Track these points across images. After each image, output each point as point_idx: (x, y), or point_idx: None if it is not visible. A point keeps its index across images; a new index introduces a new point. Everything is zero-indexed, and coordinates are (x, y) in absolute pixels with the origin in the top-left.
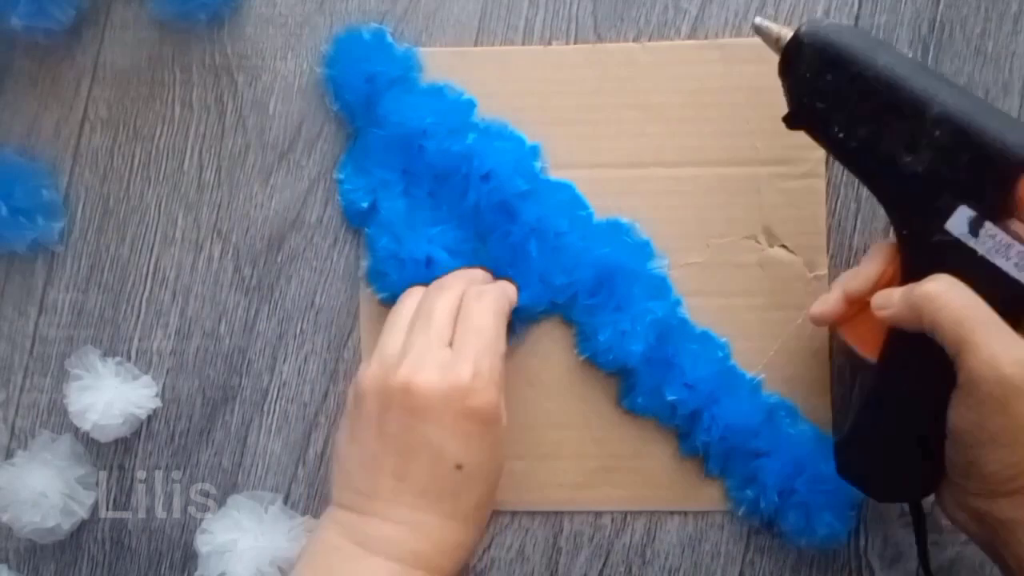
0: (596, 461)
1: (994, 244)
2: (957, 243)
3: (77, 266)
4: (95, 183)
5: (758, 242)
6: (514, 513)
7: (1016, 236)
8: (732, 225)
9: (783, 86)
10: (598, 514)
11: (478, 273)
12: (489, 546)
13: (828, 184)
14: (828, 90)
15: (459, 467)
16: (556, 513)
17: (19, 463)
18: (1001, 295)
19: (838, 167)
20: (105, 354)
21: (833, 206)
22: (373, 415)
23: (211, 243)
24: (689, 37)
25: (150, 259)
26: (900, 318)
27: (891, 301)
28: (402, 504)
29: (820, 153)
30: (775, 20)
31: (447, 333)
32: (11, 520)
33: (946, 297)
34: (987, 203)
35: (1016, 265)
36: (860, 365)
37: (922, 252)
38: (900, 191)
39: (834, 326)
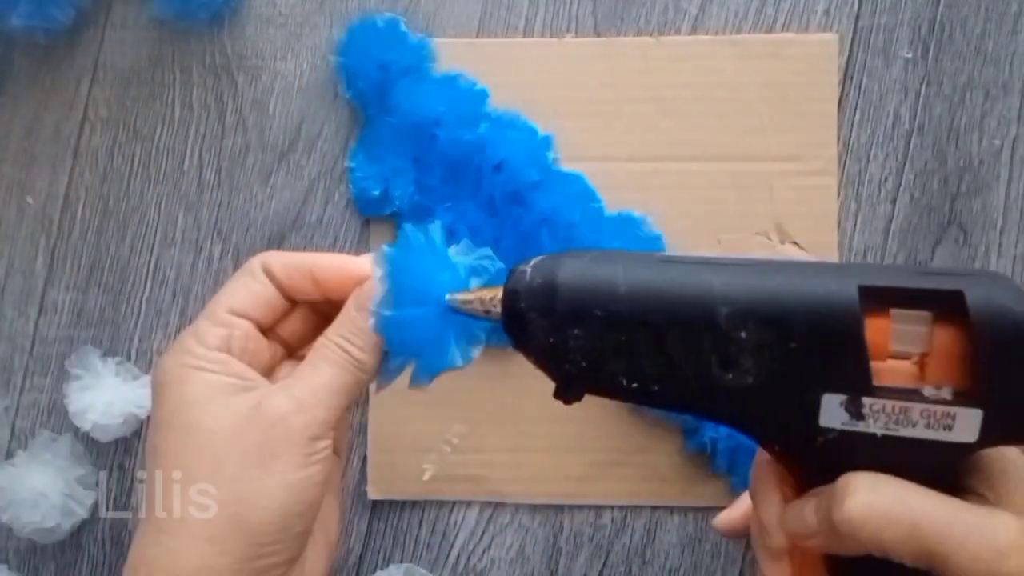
0: (601, 455)
1: (888, 416)
2: (845, 435)
3: (77, 266)
4: (95, 183)
5: (769, 238)
6: (514, 513)
7: (903, 395)
8: (743, 221)
9: (529, 359)
10: (598, 514)
11: None
12: (489, 546)
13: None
14: (585, 346)
15: None
16: (556, 513)
17: (19, 463)
18: (925, 464)
19: (847, 166)
20: (105, 354)
21: None
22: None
23: (211, 243)
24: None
25: (150, 259)
26: (830, 547)
27: (809, 526)
28: None
29: (833, 151)
30: (775, 21)
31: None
32: (11, 520)
33: (878, 510)
34: (848, 379)
35: (927, 425)
36: None
37: (810, 462)
38: (743, 412)
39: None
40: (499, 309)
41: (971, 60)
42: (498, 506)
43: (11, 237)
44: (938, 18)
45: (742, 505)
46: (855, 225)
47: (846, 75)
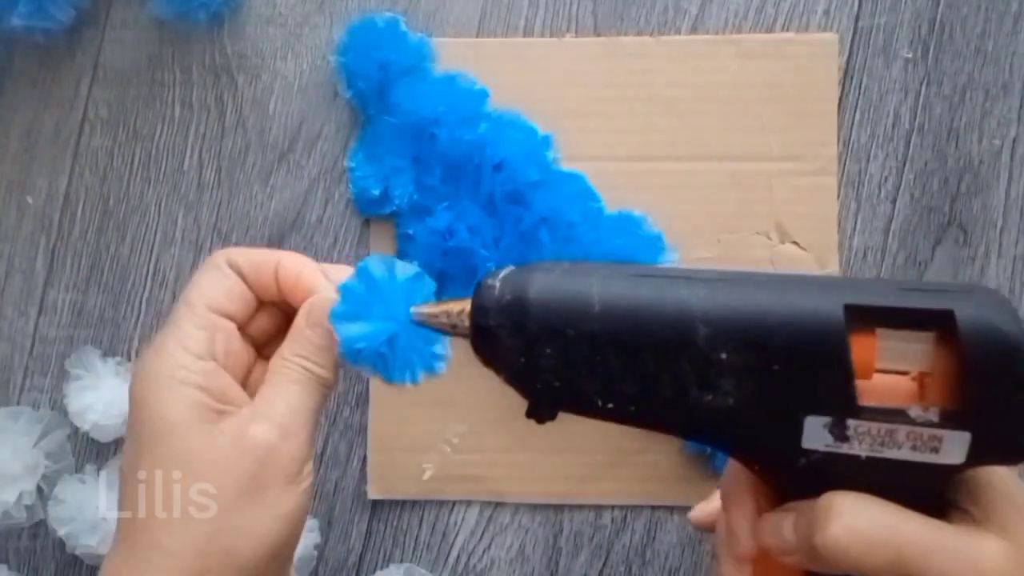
0: (601, 455)
1: (873, 438)
2: (829, 456)
3: (77, 266)
4: (95, 183)
5: (769, 238)
6: (514, 513)
7: (889, 416)
8: (743, 220)
9: (500, 377)
10: (598, 514)
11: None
12: (489, 546)
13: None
14: (561, 367)
15: None
16: (556, 513)
17: (89, 482)
18: (910, 484)
19: (847, 166)
20: (105, 354)
21: None
22: None
23: (211, 243)
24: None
25: (150, 259)
26: (809, 565)
27: (786, 541)
28: None
29: (833, 150)
30: (775, 21)
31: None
32: (67, 536)
33: (860, 535)
34: (832, 402)
35: (913, 447)
36: None
37: (793, 483)
38: (722, 433)
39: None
40: (466, 324)
41: (971, 60)
42: (498, 506)
43: (11, 237)
44: (938, 18)
45: (718, 499)
46: (855, 225)
47: (846, 75)
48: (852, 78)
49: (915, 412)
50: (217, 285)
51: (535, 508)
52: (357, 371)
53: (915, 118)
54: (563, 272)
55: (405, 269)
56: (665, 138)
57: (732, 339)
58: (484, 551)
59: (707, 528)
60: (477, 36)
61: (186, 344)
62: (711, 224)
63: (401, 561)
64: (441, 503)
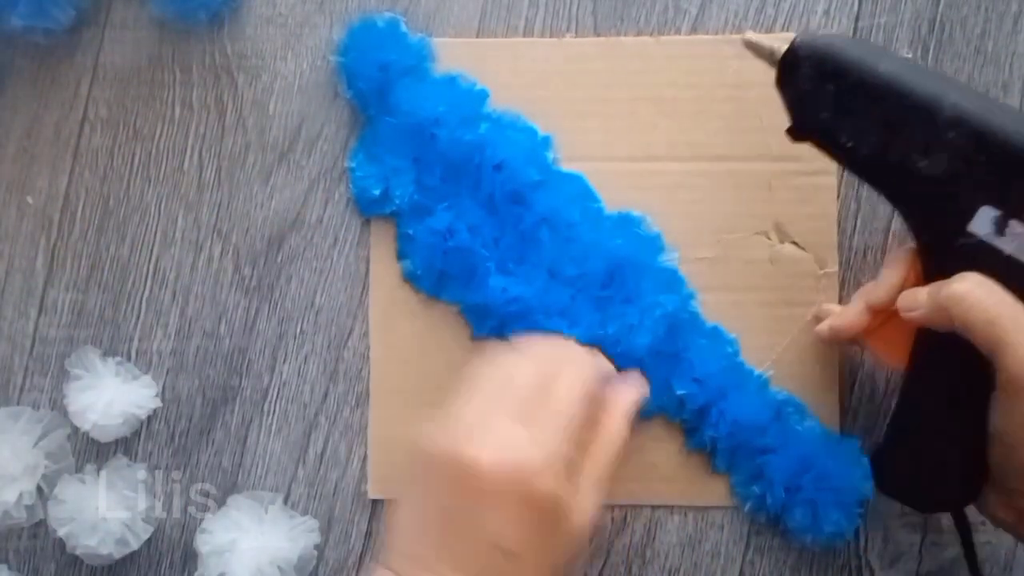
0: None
1: (1021, 243)
2: (982, 244)
3: (77, 266)
4: (95, 183)
5: (769, 238)
6: None
7: None
8: (743, 221)
9: (783, 100)
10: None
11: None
12: None
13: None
14: (831, 101)
15: (508, 553)
16: None
17: (89, 481)
18: None
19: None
20: (105, 354)
21: None
22: (430, 482)
23: (211, 243)
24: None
25: (150, 259)
26: (929, 319)
27: (918, 302)
28: None
29: None
30: (775, 21)
31: (532, 408)
32: (67, 536)
33: (975, 296)
34: (1011, 201)
35: None
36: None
37: (945, 256)
38: (917, 197)
39: (854, 339)
40: (783, 49)
41: (971, 60)
42: None
43: (11, 237)
44: (938, 18)
45: (847, 314)
46: (855, 225)
47: None
48: None
49: None
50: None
51: None
52: None
53: None
54: (868, 42)
55: None
56: (665, 138)
57: (964, 124)
58: None
59: (844, 336)
60: (477, 36)
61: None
62: (711, 224)
63: None
64: None
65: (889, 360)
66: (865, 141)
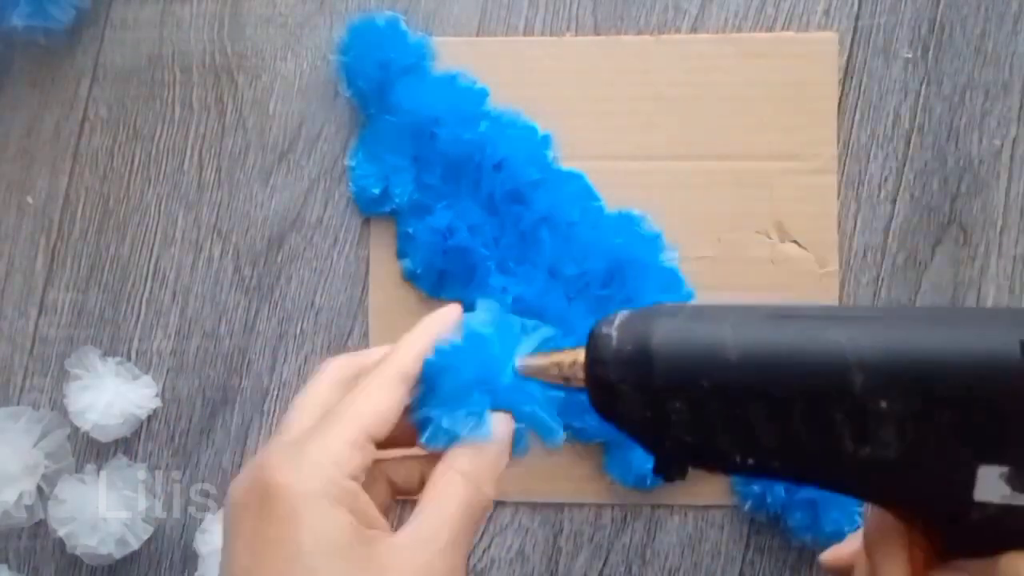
0: (601, 455)
1: None
2: (1007, 509)
3: (77, 266)
4: (95, 183)
5: (769, 237)
6: (514, 513)
7: None
8: (743, 220)
9: (625, 433)
10: (598, 514)
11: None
12: (489, 546)
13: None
14: (689, 421)
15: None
16: (556, 513)
17: (89, 481)
18: None
19: (847, 166)
20: (105, 354)
21: None
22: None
23: (211, 243)
24: None
25: (150, 259)
26: None
27: None
28: None
29: (833, 150)
30: (775, 21)
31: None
32: (67, 536)
33: None
34: (1011, 448)
35: None
36: None
37: (962, 537)
38: (880, 487)
39: None
40: (580, 376)
41: (971, 60)
42: (498, 505)
43: (11, 237)
44: (938, 18)
45: (853, 545)
46: (855, 225)
47: (846, 74)
48: (852, 78)
49: None
50: (387, 408)
51: (535, 508)
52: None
53: (915, 118)
54: (689, 317)
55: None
56: (665, 138)
57: (894, 386)
58: (484, 551)
59: (841, 574)
60: (477, 35)
61: (341, 465)
62: (711, 223)
63: None
64: None
65: None
66: (769, 452)
